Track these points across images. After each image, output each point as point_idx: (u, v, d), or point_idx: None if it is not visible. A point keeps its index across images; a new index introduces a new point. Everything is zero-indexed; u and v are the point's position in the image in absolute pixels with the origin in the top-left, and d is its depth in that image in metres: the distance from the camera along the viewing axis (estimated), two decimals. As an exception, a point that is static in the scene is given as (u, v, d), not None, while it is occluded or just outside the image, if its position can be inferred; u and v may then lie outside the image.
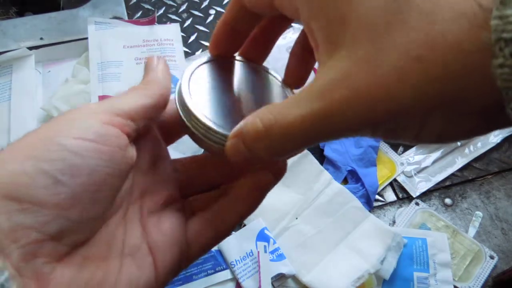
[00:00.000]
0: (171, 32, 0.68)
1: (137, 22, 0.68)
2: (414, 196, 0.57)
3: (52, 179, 0.17)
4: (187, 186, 0.25)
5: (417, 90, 0.14)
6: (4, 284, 0.14)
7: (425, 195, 0.58)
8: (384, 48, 0.14)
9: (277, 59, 0.65)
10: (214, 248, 0.51)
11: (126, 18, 0.70)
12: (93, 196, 0.18)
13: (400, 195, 0.58)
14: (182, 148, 0.55)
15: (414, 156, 0.60)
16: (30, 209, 0.16)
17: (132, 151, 0.20)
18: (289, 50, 0.25)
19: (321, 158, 0.58)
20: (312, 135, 0.17)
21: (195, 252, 0.23)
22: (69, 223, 0.17)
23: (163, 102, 0.22)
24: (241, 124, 0.19)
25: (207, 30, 0.71)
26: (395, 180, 0.58)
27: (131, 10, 0.73)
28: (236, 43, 0.25)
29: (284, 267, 0.49)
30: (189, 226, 0.23)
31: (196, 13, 0.74)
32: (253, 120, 0.18)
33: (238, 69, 0.26)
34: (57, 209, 0.17)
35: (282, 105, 0.18)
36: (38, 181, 0.16)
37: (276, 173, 0.23)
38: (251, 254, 0.50)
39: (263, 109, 0.18)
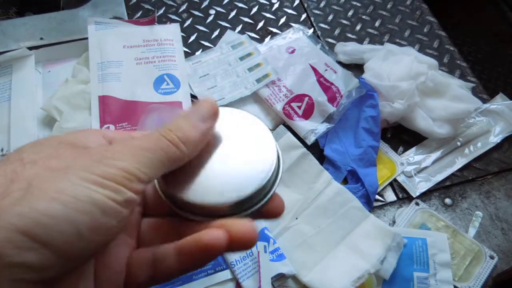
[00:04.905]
0: (171, 32, 0.68)
1: (137, 22, 0.68)
2: (414, 196, 0.57)
3: (76, 230, 0.17)
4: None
5: None
6: None
7: (425, 195, 0.58)
8: None
9: (277, 59, 0.65)
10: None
11: (126, 18, 0.71)
12: (97, 251, 0.19)
13: (400, 195, 0.58)
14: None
15: (414, 156, 0.60)
16: (41, 250, 0.16)
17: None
18: (289, 50, 0.24)
19: (321, 158, 0.58)
20: None
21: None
22: (65, 270, 0.17)
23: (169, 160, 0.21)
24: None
25: (207, 30, 0.71)
26: (395, 180, 0.58)
27: (131, 10, 0.73)
28: None
29: (284, 267, 0.49)
30: (132, 262, 0.22)
31: (196, 13, 0.74)
32: None
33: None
34: (66, 259, 0.17)
35: None
36: (61, 228, 0.16)
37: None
38: (251, 254, 0.50)
39: None
